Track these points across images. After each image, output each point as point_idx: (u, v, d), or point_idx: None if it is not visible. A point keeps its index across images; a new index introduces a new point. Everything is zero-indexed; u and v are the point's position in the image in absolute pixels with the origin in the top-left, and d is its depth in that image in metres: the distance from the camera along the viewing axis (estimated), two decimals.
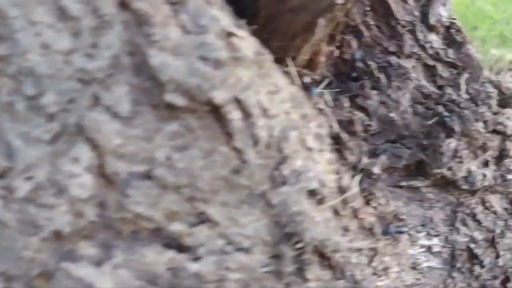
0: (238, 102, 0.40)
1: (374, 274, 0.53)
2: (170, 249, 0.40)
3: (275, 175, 0.43)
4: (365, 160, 0.52)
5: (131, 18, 0.37)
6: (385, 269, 0.54)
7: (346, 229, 0.49)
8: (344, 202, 0.48)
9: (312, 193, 0.45)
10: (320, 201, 0.45)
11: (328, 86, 0.61)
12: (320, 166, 0.46)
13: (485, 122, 0.61)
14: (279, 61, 0.54)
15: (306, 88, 0.57)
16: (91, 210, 0.38)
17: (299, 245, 0.44)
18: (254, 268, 0.43)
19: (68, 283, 0.37)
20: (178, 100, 0.37)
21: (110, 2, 0.36)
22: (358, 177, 0.50)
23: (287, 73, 0.53)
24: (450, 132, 0.59)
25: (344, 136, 0.51)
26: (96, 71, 0.36)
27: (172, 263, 0.40)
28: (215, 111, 0.39)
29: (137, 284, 0.39)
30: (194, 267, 0.40)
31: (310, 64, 0.57)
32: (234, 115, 0.40)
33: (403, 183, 0.59)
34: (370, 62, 0.60)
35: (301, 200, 0.43)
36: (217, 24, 0.39)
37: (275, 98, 0.43)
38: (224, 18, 0.40)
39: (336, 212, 0.48)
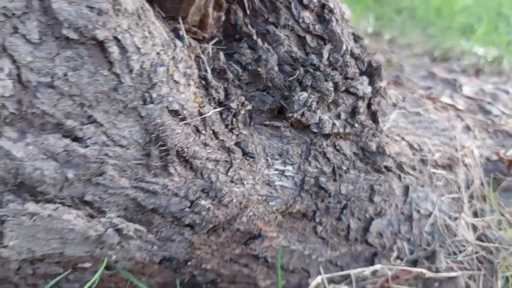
0: (117, 40, 0.58)
1: (232, 182, 0.72)
2: (67, 138, 0.59)
3: (145, 96, 0.61)
4: (220, 100, 0.70)
5: None
6: (241, 179, 0.73)
7: (205, 144, 0.68)
8: (205, 125, 0.67)
9: (174, 112, 0.63)
10: (182, 120, 0.64)
11: (217, 43, 0.79)
12: (183, 95, 0.64)
13: (335, 83, 0.80)
14: (173, 18, 0.72)
15: (196, 40, 0.75)
16: (11, 105, 0.56)
17: (163, 148, 0.63)
18: (128, 159, 0.62)
19: None
20: (71, 34, 0.55)
21: None
22: (218, 109, 0.69)
23: (176, 28, 0.71)
24: (304, 87, 0.78)
25: (212, 79, 0.69)
26: (15, 9, 0.53)
27: (67, 147, 0.59)
28: (100, 45, 0.57)
29: (41, 157, 0.57)
30: (82, 150, 0.59)
31: (201, 25, 0.75)
32: (114, 49, 0.58)
33: (267, 122, 0.79)
34: (251, 29, 0.79)
35: (163, 115, 0.62)
36: None
37: (149, 42, 0.61)
38: None
39: (197, 130, 0.67)
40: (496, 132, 1.37)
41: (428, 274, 0.87)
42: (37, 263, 0.63)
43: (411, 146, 1.05)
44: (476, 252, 1.00)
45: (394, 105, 1.20)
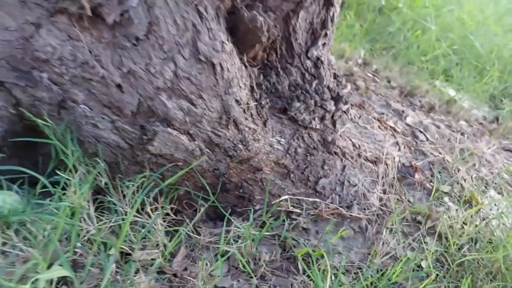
0: (221, 65, 1.29)
1: (254, 140, 1.44)
2: (189, 103, 1.30)
3: (226, 91, 1.33)
4: (258, 98, 1.42)
5: None
6: (258, 140, 1.45)
7: (246, 118, 1.40)
8: (248, 109, 1.39)
9: (237, 101, 1.35)
10: (240, 105, 1.36)
11: (259, 69, 1.50)
12: (242, 93, 1.36)
13: (315, 101, 1.53)
14: (241, 53, 1.43)
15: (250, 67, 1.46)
16: (171, 84, 1.27)
17: (228, 116, 1.35)
18: (212, 118, 1.34)
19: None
20: (202, 58, 1.26)
21: None
22: (255, 103, 1.41)
23: (242, 59, 1.42)
24: (300, 101, 1.50)
25: (256, 88, 1.40)
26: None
27: (188, 107, 1.30)
28: (213, 66, 1.28)
29: (176, 107, 1.28)
30: (195, 110, 1.30)
31: (253, 58, 1.46)
32: (218, 68, 1.29)
33: (276, 114, 1.51)
34: (278, 64, 1.50)
35: (232, 101, 1.33)
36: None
37: (233, 66, 1.33)
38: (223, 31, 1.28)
39: (244, 111, 1.39)
40: (416, 150, 2.12)
41: (344, 212, 1.61)
42: (159, 157, 1.35)
43: (353, 145, 1.78)
44: (377, 212, 1.74)
45: (352, 119, 1.93)
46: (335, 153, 1.65)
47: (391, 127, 2.15)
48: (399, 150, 2.03)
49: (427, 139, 2.26)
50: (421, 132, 2.29)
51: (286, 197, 1.48)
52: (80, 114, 1.29)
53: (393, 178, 1.89)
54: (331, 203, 1.66)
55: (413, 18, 4.46)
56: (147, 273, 1.25)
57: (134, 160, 1.36)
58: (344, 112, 1.76)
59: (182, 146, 1.32)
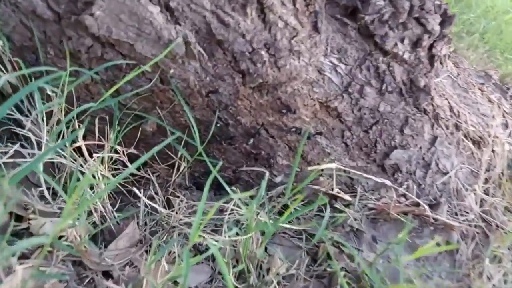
0: None
1: (290, 51, 0.78)
2: None
3: None
4: None
5: None
6: (299, 53, 0.79)
7: (283, 3, 0.73)
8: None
9: None
10: None
11: None
12: None
13: (412, 5, 0.84)
14: None
15: None
16: None
17: None
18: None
19: None
20: None
21: None
22: None
23: None
24: None
25: None
26: None
27: None
28: None
29: None
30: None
31: None
32: None
33: (338, 16, 0.84)
34: None
35: None
36: None
37: None
38: None
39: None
40: None
41: (428, 212, 0.92)
42: (108, 47, 0.71)
43: (451, 108, 1.08)
44: (477, 223, 1.04)
45: (449, 73, 1.23)
46: (426, 111, 0.96)
47: (496, 102, 1.42)
48: (510, 135, 1.31)
49: None
50: None
51: (331, 165, 0.81)
52: None
53: (502, 173, 1.18)
54: (404, 195, 0.97)
55: (499, 8, 3.72)
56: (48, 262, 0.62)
57: (63, 47, 0.73)
58: (444, 56, 1.06)
59: (150, 29, 0.68)
